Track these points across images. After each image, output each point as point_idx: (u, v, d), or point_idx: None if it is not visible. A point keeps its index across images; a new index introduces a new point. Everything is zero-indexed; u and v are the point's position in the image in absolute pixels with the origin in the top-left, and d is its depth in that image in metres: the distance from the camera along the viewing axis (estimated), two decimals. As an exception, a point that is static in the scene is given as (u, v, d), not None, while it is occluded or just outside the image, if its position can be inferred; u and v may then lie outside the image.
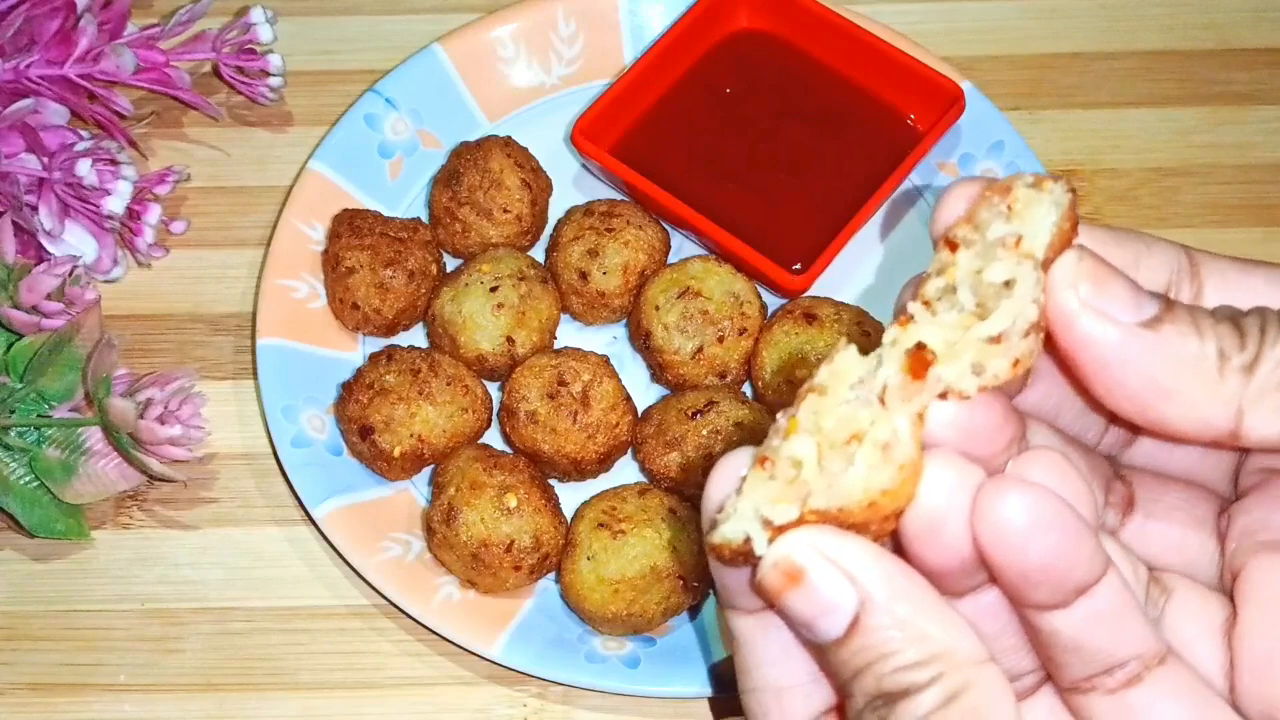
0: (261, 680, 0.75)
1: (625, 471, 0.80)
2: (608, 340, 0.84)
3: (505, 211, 0.83)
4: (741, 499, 0.38)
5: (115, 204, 0.82)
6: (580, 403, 0.77)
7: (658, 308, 0.80)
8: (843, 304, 0.80)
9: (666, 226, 0.85)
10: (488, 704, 0.75)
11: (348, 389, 0.78)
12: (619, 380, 0.78)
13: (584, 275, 0.82)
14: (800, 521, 0.37)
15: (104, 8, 0.87)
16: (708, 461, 0.75)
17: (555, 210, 0.86)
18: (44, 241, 0.82)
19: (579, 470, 0.78)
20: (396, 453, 0.76)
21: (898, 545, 0.38)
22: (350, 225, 0.82)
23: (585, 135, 0.85)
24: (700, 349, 0.79)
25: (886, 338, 0.38)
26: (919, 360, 0.38)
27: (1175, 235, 0.49)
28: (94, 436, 0.78)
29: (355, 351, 0.83)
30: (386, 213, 0.85)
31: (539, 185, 0.85)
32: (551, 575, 0.76)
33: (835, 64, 0.88)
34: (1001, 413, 0.39)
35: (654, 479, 0.78)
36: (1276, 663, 0.39)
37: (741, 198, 0.84)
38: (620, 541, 0.73)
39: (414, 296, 0.82)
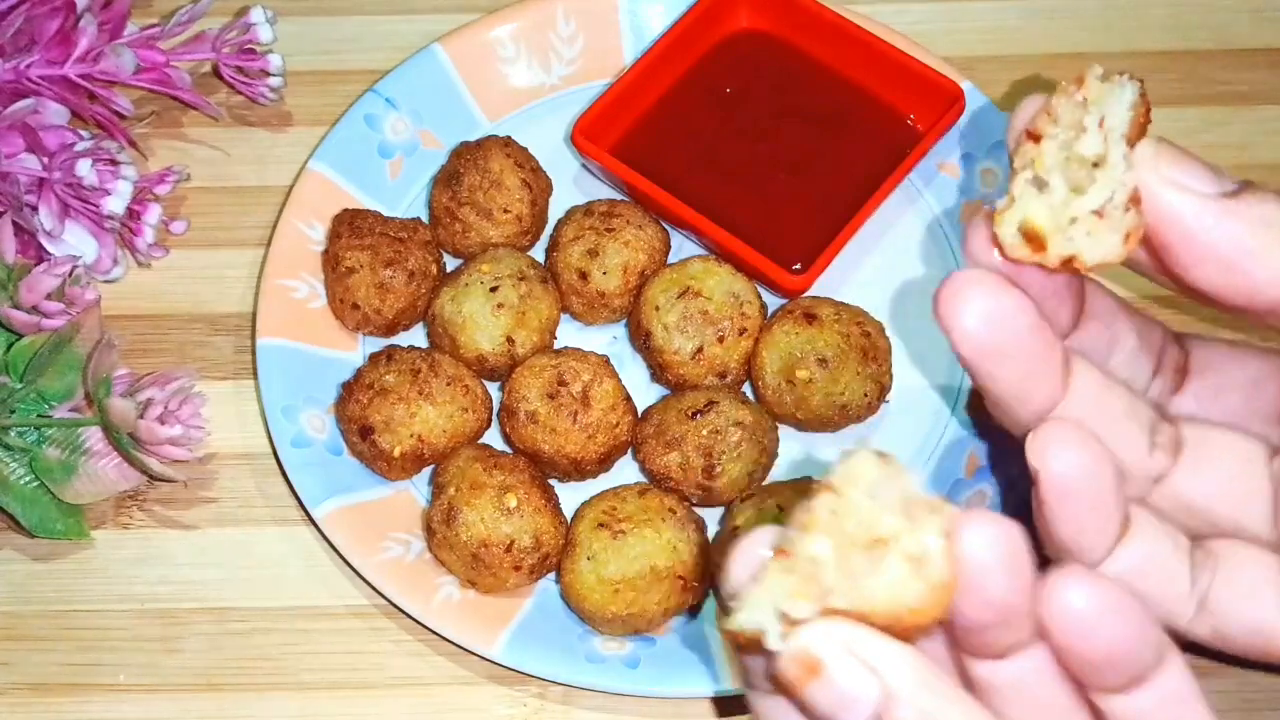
0: (261, 680, 0.75)
1: (625, 471, 0.80)
2: (608, 340, 0.84)
3: (505, 211, 0.83)
4: (759, 590, 0.37)
5: (115, 204, 0.82)
6: (580, 403, 0.77)
7: (658, 308, 0.80)
8: (843, 304, 0.80)
9: (666, 226, 0.85)
10: (488, 704, 0.75)
11: (348, 389, 0.78)
12: (619, 380, 0.78)
13: (584, 275, 0.82)
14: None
15: (104, 8, 0.87)
16: (708, 461, 0.76)
17: (555, 210, 0.86)
18: (44, 241, 0.82)
19: (579, 470, 0.78)
20: (396, 453, 0.76)
21: None
22: (350, 225, 0.82)
23: (585, 135, 0.85)
24: (700, 349, 0.79)
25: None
26: (1033, 237, 0.40)
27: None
28: (94, 436, 0.78)
29: (355, 351, 0.83)
30: (386, 213, 0.85)
31: (539, 185, 0.85)
32: (552, 575, 0.76)
33: (835, 64, 0.88)
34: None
35: (654, 479, 0.78)
36: None
37: (741, 198, 0.84)
38: (620, 541, 0.73)
39: (414, 296, 0.82)
